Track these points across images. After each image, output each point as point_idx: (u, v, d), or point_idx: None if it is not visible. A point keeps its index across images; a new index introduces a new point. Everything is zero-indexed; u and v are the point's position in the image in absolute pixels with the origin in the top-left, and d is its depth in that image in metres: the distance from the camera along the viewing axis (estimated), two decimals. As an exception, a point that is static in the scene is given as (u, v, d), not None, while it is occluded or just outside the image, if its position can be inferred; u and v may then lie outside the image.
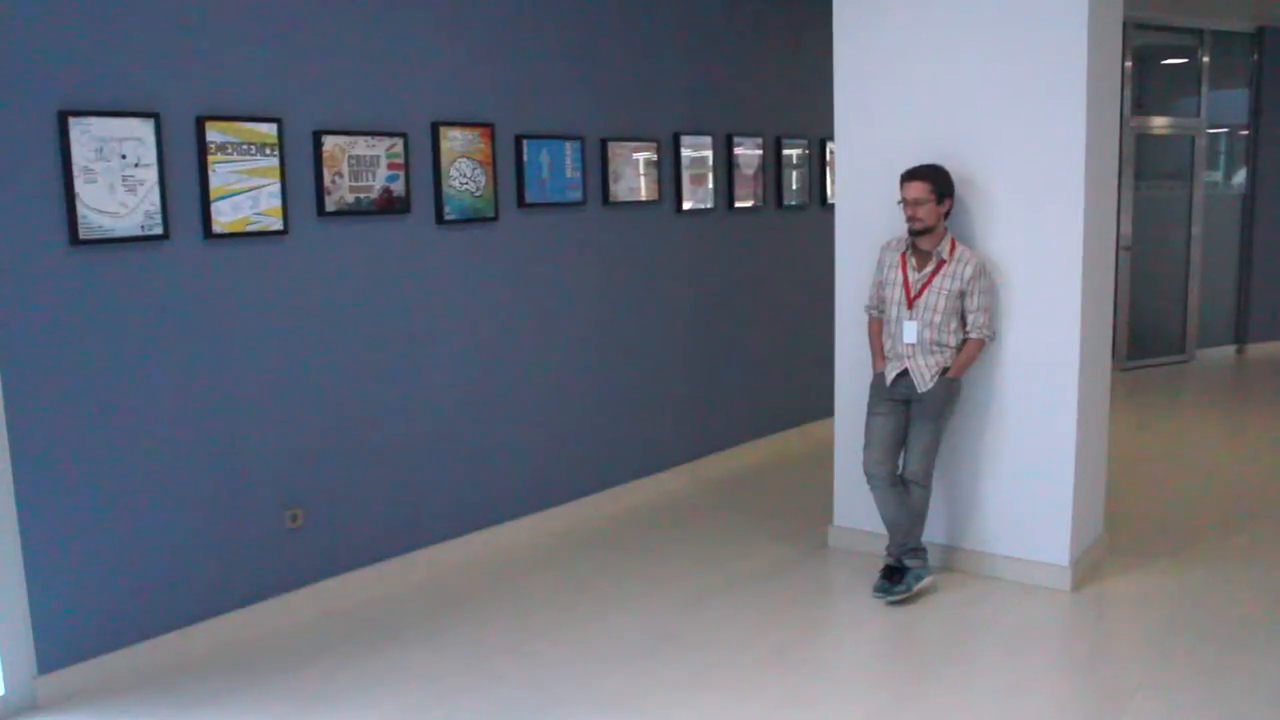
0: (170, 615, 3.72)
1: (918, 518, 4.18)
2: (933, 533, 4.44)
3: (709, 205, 5.77)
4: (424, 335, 4.44)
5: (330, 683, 3.57)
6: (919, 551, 4.19)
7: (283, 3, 3.87)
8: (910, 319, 4.10)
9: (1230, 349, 9.62)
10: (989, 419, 4.29)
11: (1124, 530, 4.77)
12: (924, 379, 4.09)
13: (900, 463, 4.18)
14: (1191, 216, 9.12)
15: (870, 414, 4.22)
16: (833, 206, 4.71)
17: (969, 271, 4.04)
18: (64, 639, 3.48)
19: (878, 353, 4.26)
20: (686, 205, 5.61)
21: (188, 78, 3.62)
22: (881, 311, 4.24)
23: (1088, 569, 4.30)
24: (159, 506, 3.66)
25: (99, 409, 3.50)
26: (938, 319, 4.07)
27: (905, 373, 4.12)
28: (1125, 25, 5.45)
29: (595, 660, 3.69)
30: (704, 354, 5.83)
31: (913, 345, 4.10)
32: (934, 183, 4.02)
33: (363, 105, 4.14)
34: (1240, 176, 9.54)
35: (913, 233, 4.07)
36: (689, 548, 4.78)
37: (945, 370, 4.10)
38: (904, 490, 4.16)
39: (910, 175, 4.06)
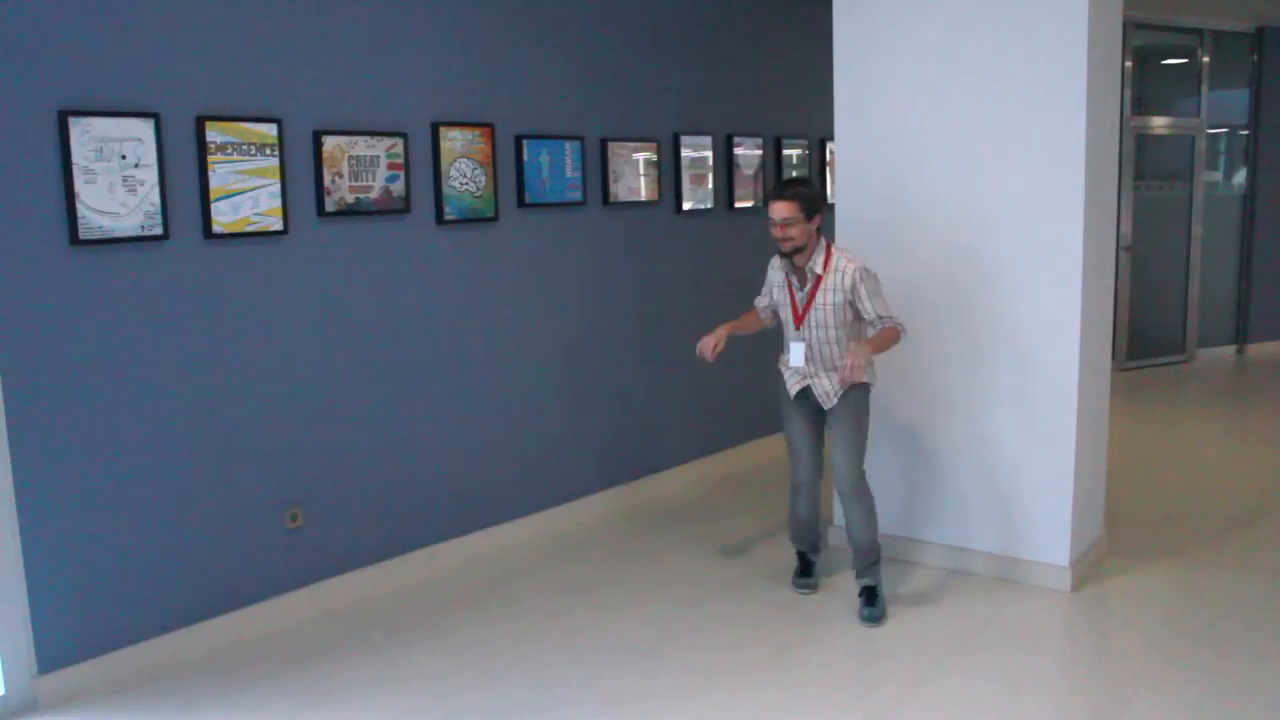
0: (170, 615, 3.72)
1: (872, 529, 3.98)
2: (932, 533, 4.45)
3: (709, 205, 5.77)
4: (424, 335, 4.44)
5: (330, 683, 3.57)
6: (873, 566, 4.02)
7: (283, 3, 3.87)
8: (800, 340, 3.95)
9: (1230, 349, 9.61)
10: (989, 419, 4.29)
11: (1124, 530, 4.77)
12: (829, 397, 3.94)
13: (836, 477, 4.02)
14: (1191, 216, 9.11)
15: (788, 423, 4.08)
16: (833, 206, 4.71)
17: (848, 281, 3.84)
18: (64, 639, 3.48)
19: (735, 326, 4.08)
20: (686, 205, 5.61)
21: (188, 78, 3.63)
22: (772, 313, 4.14)
23: (1088, 569, 4.30)
24: (159, 506, 3.67)
25: (99, 409, 3.50)
26: (832, 334, 3.89)
27: (808, 388, 3.99)
28: (1125, 25, 5.44)
29: (595, 660, 3.69)
30: (704, 354, 5.82)
31: (806, 366, 3.94)
32: (803, 201, 3.78)
33: (363, 105, 4.14)
34: (1240, 176, 9.54)
35: (782, 254, 3.91)
36: (689, 548, 4.78)
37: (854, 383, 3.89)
38: (819, 496, 4.15)
39: (777, 195, 3.83)
